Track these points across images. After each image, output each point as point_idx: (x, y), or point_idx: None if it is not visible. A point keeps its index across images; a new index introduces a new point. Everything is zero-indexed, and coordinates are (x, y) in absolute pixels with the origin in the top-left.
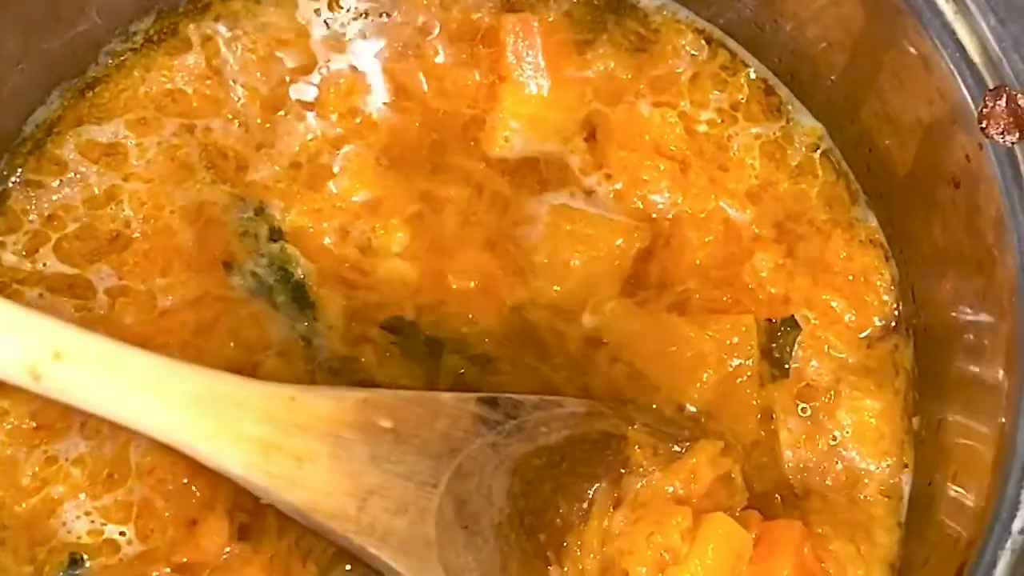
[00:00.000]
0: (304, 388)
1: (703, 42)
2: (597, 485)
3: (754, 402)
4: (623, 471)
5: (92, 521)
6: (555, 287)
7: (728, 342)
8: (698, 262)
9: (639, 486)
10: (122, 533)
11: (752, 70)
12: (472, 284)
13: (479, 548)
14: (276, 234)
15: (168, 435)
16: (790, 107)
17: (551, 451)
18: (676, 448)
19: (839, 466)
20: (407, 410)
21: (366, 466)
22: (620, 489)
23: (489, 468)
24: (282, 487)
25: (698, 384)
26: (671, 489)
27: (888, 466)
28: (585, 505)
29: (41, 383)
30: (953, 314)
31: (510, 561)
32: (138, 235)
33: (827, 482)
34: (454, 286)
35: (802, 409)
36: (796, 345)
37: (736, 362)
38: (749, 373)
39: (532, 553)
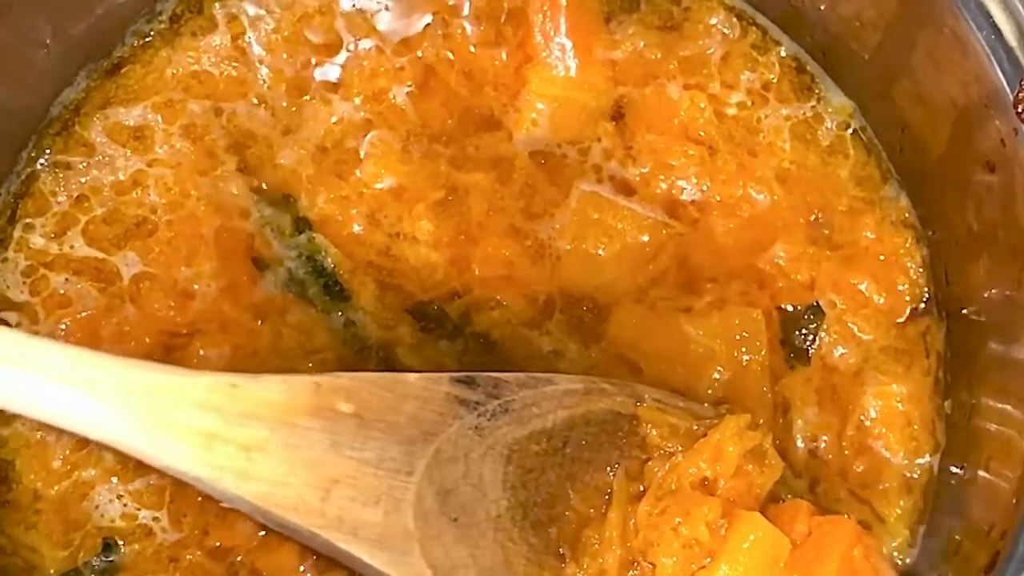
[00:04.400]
0: (247, 376)
1: (734, 19)
2: (613, 473)
3: (767, 394)
4: (643, 456)
5: (125, 505)
6: (577, 277)
7: (737, 337)
8: (722, 250)
9: (661, 472)
10: (155, 519)
11: (783, 48)
12: (497, 271)
13: (474, 543)
14: (302, 224)
15: (99, 431)
16: (821, 85)
17: (550, 435)
18: (695, 427)
19: (861, 455)
20: (369, 392)
21: (326, 454)
22: (642, 476)
23: (476, 455)
24: (230, 480)
25: (709, 381)
26: (694, 471)
27: (914, 452)
28: (603, 495)
29: None
30: (987, 297)
31: (515, 558)
32: (164, 222)
33: (845, 472)
34: (477, 272)
35: (823, 398)
36: (820, 332)
37: (747, 357)
38: (761, 366)
39: (542, 549)
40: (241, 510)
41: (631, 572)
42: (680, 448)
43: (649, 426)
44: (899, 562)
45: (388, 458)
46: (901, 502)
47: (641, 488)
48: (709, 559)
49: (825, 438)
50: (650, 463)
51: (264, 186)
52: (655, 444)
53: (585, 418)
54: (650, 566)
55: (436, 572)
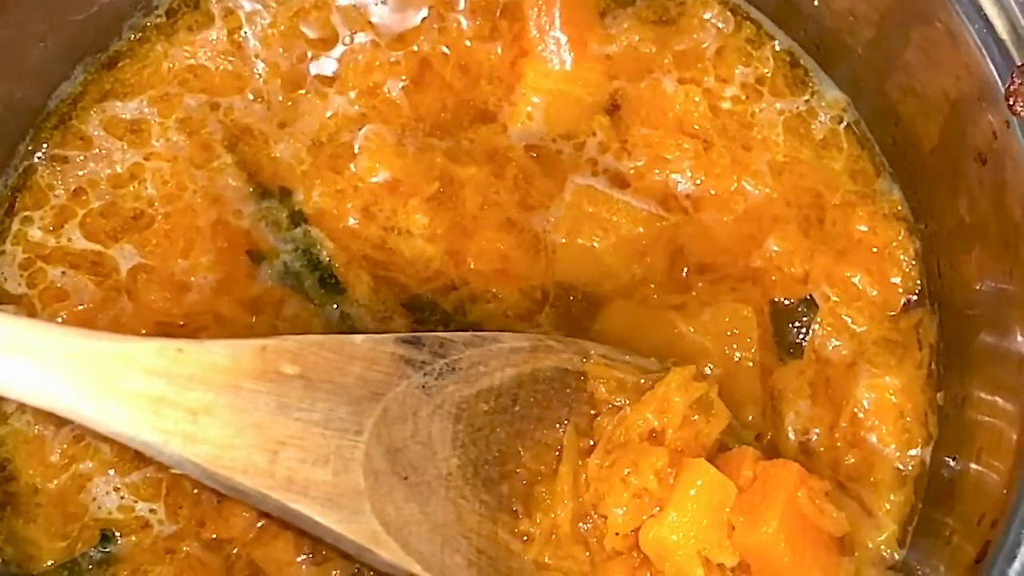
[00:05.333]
0: (194, 341)
1: (729, 14)
2: (563, 429)
3: (758, 390)
4: (591, 411)
5: (122, 497)
6: (573, 270)
7: (728, 333)
8: (716, 243)
9: (610, 426)
10: (152, 511)
11: (777, 42)
12: (492, 265)
13: (425, 500)
14: (298, 217)
15: (46, 399)
16: (815, 79)
17: (498, 393)
18: (642, 380)
19: (853, 448)
20: (315, 354)
21: (273, 416)
22: (592, 431)
23: (424, 413)
24: (177, 443)
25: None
26: (642, 423)
27: (907, 444)
28: (553, 451)
29: None
30: (979, 289)
31: (467, 514)
32: (160, 215)
33: (837, 464)
34: (472, 265)
35: (816, 390)
36: (813, 324)
37: (738, 354)
38: (751, 362)
39: (495, 506)
40: (191, 475)
41: (583, 525)
42: (628, 402)
43: (597, 381)
44: (886, 555)
45: (336, 418)
46: (892, 496)
47: (591, 443)
48: (658, 508)
49: (817, 431)
50: (599, 418)
51: (260, 180)
52: (603, 399)
53: (533, 376)
54: (602, 518)
55: (388, 529)
